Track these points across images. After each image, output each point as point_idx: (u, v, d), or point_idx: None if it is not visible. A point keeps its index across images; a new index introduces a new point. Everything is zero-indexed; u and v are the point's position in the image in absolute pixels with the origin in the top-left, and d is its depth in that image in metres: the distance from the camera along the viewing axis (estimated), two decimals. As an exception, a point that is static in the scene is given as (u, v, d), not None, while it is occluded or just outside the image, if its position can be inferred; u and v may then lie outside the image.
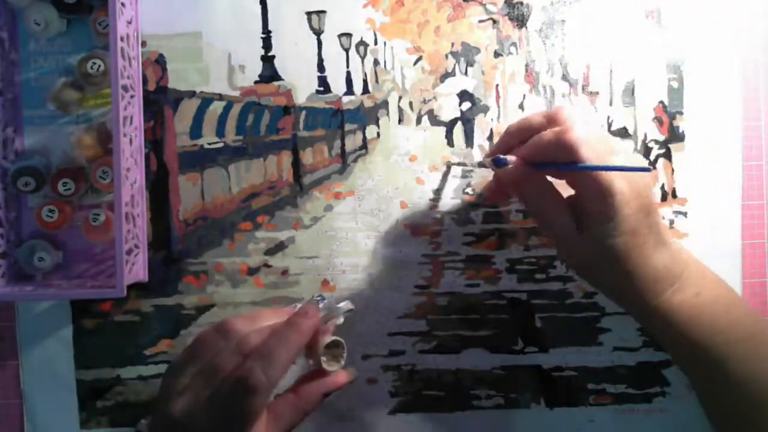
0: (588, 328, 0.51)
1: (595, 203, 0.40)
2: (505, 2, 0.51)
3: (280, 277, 0.51)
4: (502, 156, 0.42)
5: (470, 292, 0.51)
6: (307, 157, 0.51)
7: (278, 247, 0.51)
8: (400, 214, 0.51)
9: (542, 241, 0.51)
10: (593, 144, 0.40)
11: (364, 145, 0.51)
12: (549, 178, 0.43)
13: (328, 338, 0.43)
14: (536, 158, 0.42)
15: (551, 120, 0.42)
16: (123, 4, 0.46)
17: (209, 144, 0.51)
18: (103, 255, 0.50)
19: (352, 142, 0.51)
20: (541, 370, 0.51)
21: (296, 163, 0.51)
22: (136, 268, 0.48)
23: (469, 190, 0.51)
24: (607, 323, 0.51)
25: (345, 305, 0.43)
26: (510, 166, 0.42)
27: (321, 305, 0.42)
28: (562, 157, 0.40)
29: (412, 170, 0.51)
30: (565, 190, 0.43)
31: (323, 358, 0.43)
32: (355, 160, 0.51)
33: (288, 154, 0.51)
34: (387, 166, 0.51)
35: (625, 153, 0.42)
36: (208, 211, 0.51)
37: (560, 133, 0.40)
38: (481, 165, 0.50)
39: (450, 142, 0.51)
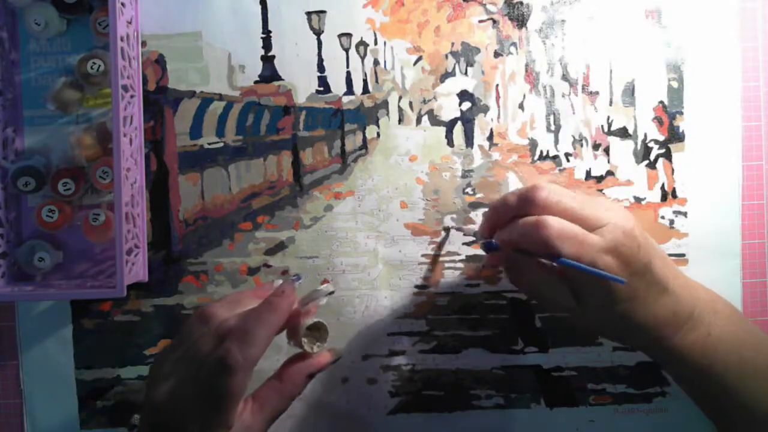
0: (588, 328, 0.51)
1: (585, 284, 0.40)
2: (505, 2, 0.51)
3: (280, 277, 0.51)
4: (493, 240, 0.42)
5: (470, 292, 0.51)
6: (307, 157, 0.51)
7: (278, 247, 0.51)
8: (400, 214, 0.51)
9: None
10: (568, 233, 0.39)
11: (364, 145, 0.51)
12: None
13: (310, 320, 0.43)
14: (517, 246, 0.41)
15: (526, 203, 0.41)
16: (123, 4, 0.46)
17: (209, 144, 0.51)
18: (103, 255, 0.50)
19: (352, 142, 0.51)
20: (541, 370, 0.51)
21: (296, 163, 0.51)
22: (136, 268, 0.48)
23: (469, 190, 0.51)
24: (607, 323, 0.51)
25: (326, 287, 0.44)
26: (500, 251, 0.42)
27: (296, 284, 0.43)
28: (540, 250, 0.39)
29: (412, 170, 0.51)
30: None
31: (304, 340, 0.43)
32: (355, 160, 0.51)
33: (288, 154, 0.51)
34: (387, 166, 0.51)
35: (612, 221, 0.40)
36: (208, 211, 0.51)
37: (535, 228, 0.39)
38: (476, 235, 0.47)
39: (450, 142, 0.51)
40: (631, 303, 0.41)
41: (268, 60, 0.51)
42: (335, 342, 0.50)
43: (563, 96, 0.51)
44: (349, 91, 0.51)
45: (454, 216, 0.51)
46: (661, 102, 0.51)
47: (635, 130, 0.51)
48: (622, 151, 0.51)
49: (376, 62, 0.51)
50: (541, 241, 0.39)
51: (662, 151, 0.51)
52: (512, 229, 0.41)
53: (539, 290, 0.42)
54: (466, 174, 0.51)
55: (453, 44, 0.51)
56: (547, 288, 0.42)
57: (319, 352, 0.43)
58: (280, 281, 0.44)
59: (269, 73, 0.51)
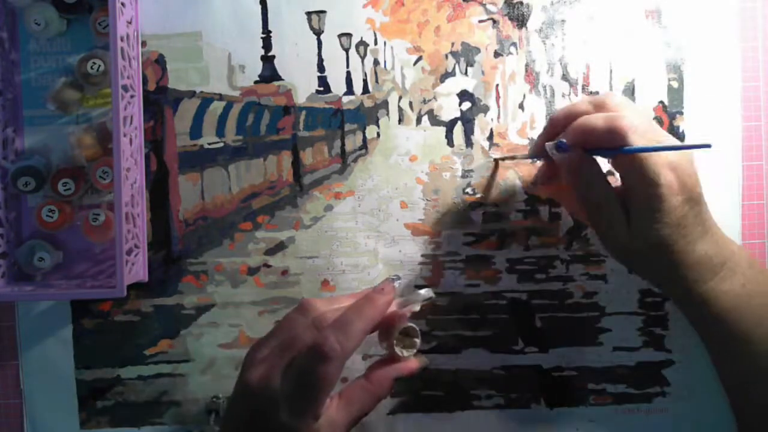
0: (588, 328, 0.51)
1: (642, 194, 0.40)
2: (505, 2, 0.51)
3: (280, 277, 0.51)
4: (564, 141, 0.42)
5: (470, 292, 0.51)
6: (307, 157, 0.51)
7: (278, 247, 0.51)
8: (400, 214, 0.51)
9: (542, 241, 0.51)
10: (643, 131, 0.40)
11: (364, 145, 0.51)
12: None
13: (404, 324, 0.44)
14: (585, 143, 0.42)
15: (599, 106, 0.42)
16: (123, 4, 0.46)
17: (209, 144, 0.51)
18: (103, 255, 0.50)
19: (352, 142, 0.51)
20: (541, 370, 0.51)
21: (296, 163, 0.51)
22: (136, 268, 0.48)
23: (469, 190, 0.51)
24: (607, 323, 0.51)
25: (426, 292, 0.44)
26: (571, 152, 0.42)
27: (397, 284, 0.44)
28: (612, 143, 0.40)
29: (412, 170, 0.51)
30: (614, 181, 0.44)
31: (396, 343, 0.44)
32: (355, 160, 0.51)
33: (288, 154, 0.51)
34: (387, 166, 0.51)
35: (672, 144, 0.42)
36: (208, 211, 0.51)
37: (611, 119, 0.40)
38: (531, 156, 0.48)
39: (450, 142, 0.51)
40: (676, 230, 0.41)
41: (268, 60, 0.51)
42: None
43: (563, 96, 0.51)
44: (349, 91, 0.51)
45: (455, 216, 0.51)
46: (661, 102, 0.51)
47: (635, 130, 0.51)
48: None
49: (376, 62, 0.51)
50: (618, 130, 0.39)
51: (662, 151, 0.51)
52: (586, 123, 0.41)
53: (596, 196, 0.42)
54: (466, 174, 0.51)
55: (453, 44, 0.51)
56: (604, 196, 0.42)
57: (408, 357, 0.44)
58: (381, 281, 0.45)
59: (269, 73, 0.51)
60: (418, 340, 0.45)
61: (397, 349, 0.44)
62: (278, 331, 0.42)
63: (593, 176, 0.42)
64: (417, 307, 0.45)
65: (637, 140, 0.39)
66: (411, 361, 0.45)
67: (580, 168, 0.43)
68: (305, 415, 0.39)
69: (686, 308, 0.45)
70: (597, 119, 0.41)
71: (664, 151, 0.39)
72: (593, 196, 0.43)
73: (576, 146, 0.42)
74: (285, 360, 0.40)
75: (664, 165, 0.40)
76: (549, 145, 0.43)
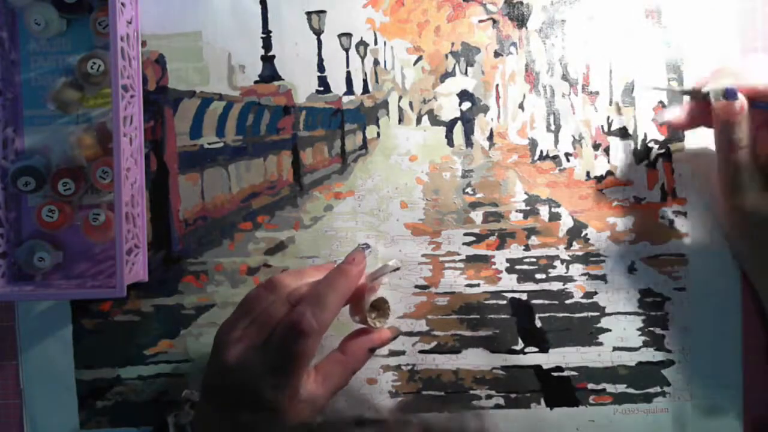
0: (588, 328, 0.51)
1: None
2: (505, 2, 0.51)
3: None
4: (734, 87, 0.42)
5: (470, 292, 0.51)
6: (307, 157, 0.51)
7: (278, 247, 0.51)
8: (400, 214, 0.51)
9: (542, 241, 0.51)
10: None
11: (364, 145, 0.51)
12: None
13: (374, 296, 0.45)
14: (756, 97, 0.42)
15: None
16: (123, 4, 0.46)
17: (209, 144, 0.51)
18: (103, 255, 0.50)
19: (352, 142, 0.51)
20: (541, 370, 0.51)
21: (296, 163, 0.51)
22: (136, 268, 0.48)
23: (469, 190, 0.51)
24: (607, 323, 0.51)
25: (393, 263, 0.45)
26: (738, 102, 0.41)
27: (366, 252, 0.44)
28: None
29: (412, 170, 0.51)
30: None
31: (371, 315, 0.45)
32: (355, 160, 0.51)
33: (288, 154, 0.51)
34: (387, 166, 0.51)
35: None
36: (208, 211, 0.51)
37: None
38: (687, 92, 0.47)
39: (450, 142, 0.51)
40: None
41: (268, 60, 0.51)
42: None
43: (563, 96, 0.51)
44: (349, 91, 0.51)
45: (454, 216, 0.51)
46: (661, 102, 0.51)
47: (635, 130, 0.51)
48: (622, 150, 0.51)
49: (376, 62, 0.51)
50: None
51: (662, 151, 0.51)
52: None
53: (743, 154, 0.42)
54: (466, 174, 0.51)
55: (453, 44, 0.51)
56: (751, 157, 0.42)
57: (381, 327, 0.45)
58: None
59: (269, 73, 0.51)
60: (390, 311, 0.46)
61: (371, 322, 0.45)
62: (248, 309, 0.42)
63: (748, 132, 0.42)
64: (385, 281, 0.45)
65: None
66: (384, 331, 0.46)
67: (741, 119, 0.42)
68: (287, 390, 0.39)
69: None
70: None
71: None
72: (742, 152, 0.42)
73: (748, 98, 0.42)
74: (262, 338, 0.40)
75: None
76: (715, 90, 0.42)
